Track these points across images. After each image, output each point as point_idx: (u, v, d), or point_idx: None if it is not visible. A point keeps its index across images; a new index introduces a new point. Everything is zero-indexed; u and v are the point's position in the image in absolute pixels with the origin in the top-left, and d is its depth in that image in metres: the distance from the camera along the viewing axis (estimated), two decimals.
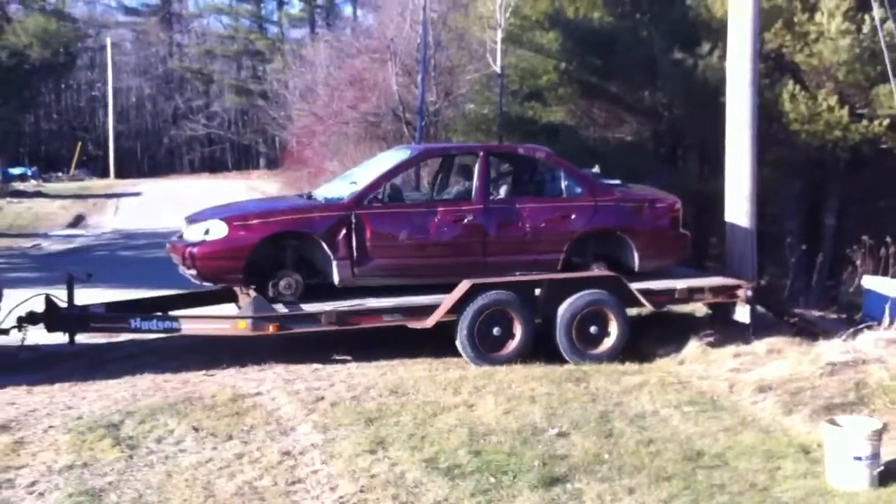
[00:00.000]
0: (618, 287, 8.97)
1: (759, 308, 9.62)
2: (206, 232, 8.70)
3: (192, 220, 9.20)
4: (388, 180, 9.18)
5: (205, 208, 9.90)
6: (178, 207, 27.47)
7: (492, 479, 5.71)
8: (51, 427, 6.67)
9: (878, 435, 5.81)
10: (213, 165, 56.82)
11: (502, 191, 9.54)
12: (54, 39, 49.29)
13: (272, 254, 8.79)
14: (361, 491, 5.51)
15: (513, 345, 8.73)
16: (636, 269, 9.42)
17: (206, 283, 9.21)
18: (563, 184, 9.52)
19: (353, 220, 8.78)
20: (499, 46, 19.90)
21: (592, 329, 8.86)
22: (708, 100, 14.48)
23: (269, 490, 5.53)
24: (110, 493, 5.46)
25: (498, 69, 20.21)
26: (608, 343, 8.91)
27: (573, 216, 9.38)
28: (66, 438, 6.39)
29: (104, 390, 7.71)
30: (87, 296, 9.33)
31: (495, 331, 8.70)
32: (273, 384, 7.91)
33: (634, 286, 9.02)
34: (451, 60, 25.32)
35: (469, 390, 7.70)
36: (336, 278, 8.80)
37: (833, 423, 6.05)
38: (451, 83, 25.01)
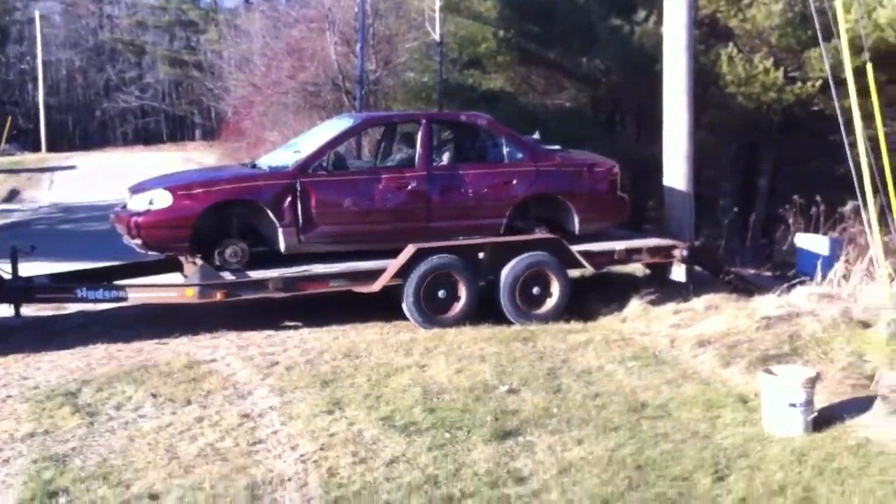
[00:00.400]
0: (559, 249, 9.21)
1: (697, 267, 9.94)
2: (151, 202, 8.72)
3: (136, 189, 9.19)
4: (332, 148, 9.26)
5: (148, 178, 9.88)
6: (114, 180, 27.06)
7: (447, 435, 5.92)
8: (8, 397, 6.71)
9: (812, 383, 6.13)
10: (148, 137, 55.80)
11: (445, 157, 9.68)
12: None
13: (217, 222, 8.84)
14: (321, 449, 5.67)
15: (458, 307, 8.93)
16: (577, 232, 9.66)
17: (151, 253, 9.23)
18: (505, 150, 9.69)
19: (298, 188, 8.86)
20: (437, 15, 19.95)
21: (535, 290, 9.09)
22: (645, 66, 14.79)
23: (231, 451, 5.67)
24: (74, 459, 5.54)
25: (437, 37, 20.27)
26: (551, 303, 9.16)
27: (515, 181, 9.57)
28: (25, 407, 6.44)
29: (58, 360, 7.73)
30: (30, 269, 9.28)
31: (441, 294, 8.88)
32: (227, 350, 8.02)
33: (575, 248, 9.27)
34: (389, 29, 25.28)
35: (420, 352, 7.90)
36: (282, 245, 8.90)
37: (769, 372, 6.36)
38: (390, 52, 24.97)
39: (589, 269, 9.66)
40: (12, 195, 25.92)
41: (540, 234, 9.48)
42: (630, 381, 7.18)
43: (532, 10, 19.03)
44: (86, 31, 60.25)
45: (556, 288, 9.14)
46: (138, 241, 8.73)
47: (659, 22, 12.44)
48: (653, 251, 9.78)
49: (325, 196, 8.98)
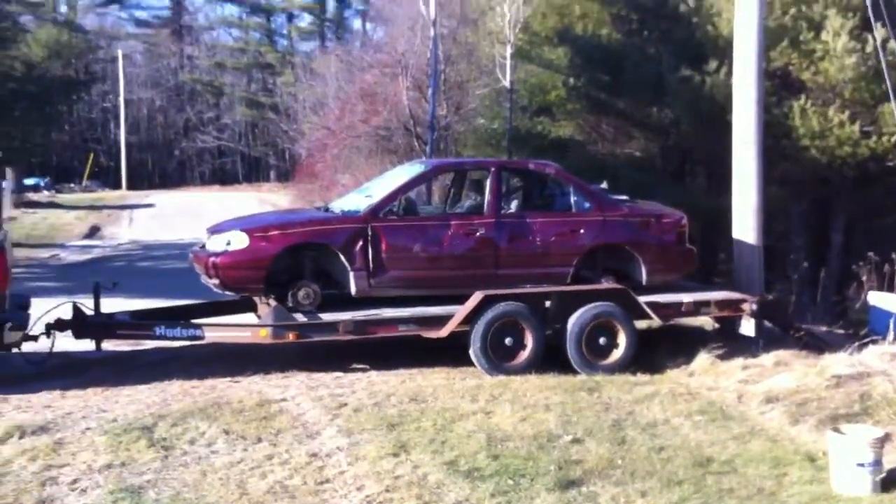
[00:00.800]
0: (625, 300, 9.23)
1: (766, 322, 9.86)
2: (228, 243, 8.97)
3: (215, 230, 9.48)
4: (403, 193, 9.45)
5: (226, 220, 10.20)
6: (191, 219, 27.88)
7: (510, 482, 5.97)
8: (87, 429, 6.95)
9: (881, 443, 6.06)
10: (224, 177, 57.23)
11: (513, 205, 9.80)
12: (66, 51, 49.81)
13: (291, 264, 9.05)
14: (387, 491, 5.78)
15: (524, 355, 8.98)
16: (644, 282, 9.67)
17: (227, 293, 9.49)
18: (573, 199, 9.77)
19: (370, 233, 9.04)
20: (508, 62, 20.21)
21: (602, 340, 9.11)
22: (715, 116, 14.78)
23: (299, 489, 5.81)
24: (149, 491, 5.74)
25: (507, 84, 20.53)
26: (617, 354, 9.16)
27: (582, 231, 9.63)
28: (103, 440, 6.66)
29: (135, 395, 7.99)
30: (111, 305, 9.62)
31: (507, 341, 8.94)
32: (297, 390, 8.19)
33: (642, 299, 9.28)
34: (461, 75, 25.64)
35: (486, 398, 7.96)
36: (353, 289, 9.07)
37: (837, 431, 6.30)
38: (461, 97, 25.32)
39: (656, 321, 9.65)
40: (93, 231, 26.79)
41: (607, 284, 9.52)
42: (696, 435, 7.15)
43: (602, 60, 19.21)
44: (166, 70, 62.20)
45: (622, 339, 9.15)
46: (215, 281, 8.99)
47: (730, 73, 12.46)
48: (721, 304, 9.73)
49: (395, 241, 9.14)
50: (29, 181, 41.13)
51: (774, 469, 6.38)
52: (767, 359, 9.03)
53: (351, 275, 9.02)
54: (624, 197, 10.25)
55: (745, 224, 10.87)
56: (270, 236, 9.00)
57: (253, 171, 59.56)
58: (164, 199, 38.57)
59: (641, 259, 9.69)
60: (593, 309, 9.08)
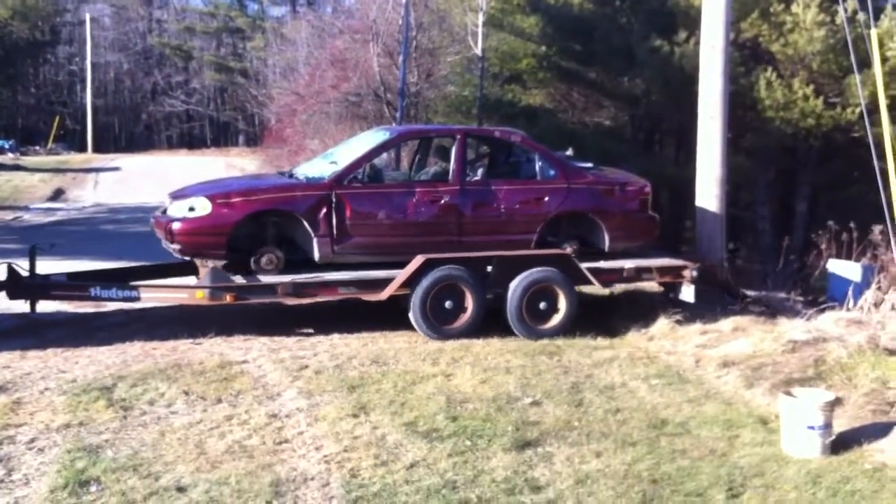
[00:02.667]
0: (567, 265, 9.28)
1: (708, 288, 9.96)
2: (191, 209, 8.91)
3: (177, 196, 9.40)
4: (368, 161, 9.41)
5: (189, 185, 10.12)
6: (157, 183, 27.57)
7: (468, 442, 6.05)
8: (46, 389, 6.94)
9: (831, 406, 6.19)
10: (192, 142, 56.66)
11: (478, 172, 9.83)
12: (33, 13, 48.89)
13: (254, 231, 9.02)
14: (345, 451, 5.83)
15: (464, 319, 9.03)
16: (606, 249, 9.74)
17: (187, 258, 9.45)
18: (538, 166, 9.80)
19: (334, 199, 9.02)
20: (480, 29, 20.14)
21: (542, 305, 9.18)
22: (684, 87, 14.79)
23: (257, 448, 5.84)
24: (107, 450, 5.75)
25: (479, 52, 20.47)
26: (556, 319, 9.22)
27: (546, 198, 9.67)
28: (62, 400, 6.67)
29: (95, 356, 7.98)
30: (74, 267, 9.54)
31: (447, 305, 8.99)
32: (259, 353, 8.21)
33: (584, 265, 9.35)
34: (432, 42, 25.50)
35: (447, 361, 8.03)
36: (316, 255, 9.05)
37: (789, 394, 6.42)
38: (432, 65, 25.20)
39: (598, 287, 9.71)
40: (57, 194, 26.51)
41: (549, 251, 9.54)
42: (652, 398, 7.26)
43: (574, 29, 19.16)
44: (134, 34, 61.29)
45: (563, 304, 9.20)
46: (176, 247, 8.95)
47: (699, 43, 12.49)
48: (663, 270, 9.80)
49: (359, 208, 9.13)
50: None
51: (727, 431, 6.50)
52: (726, 324, 9.17)
53: (315, 241, 9.00)
54: (589, 164, 10.28)
55: (708, 192, 10.98)
56: (233, 203, 8.92)
57: (221, 136, 59.01)
58: (131, 163, 38.14)
59: (605, 226, 9.74)
60: (534, 274, 9.13)
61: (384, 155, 11.96)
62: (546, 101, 21.48)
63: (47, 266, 9.48)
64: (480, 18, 19.99)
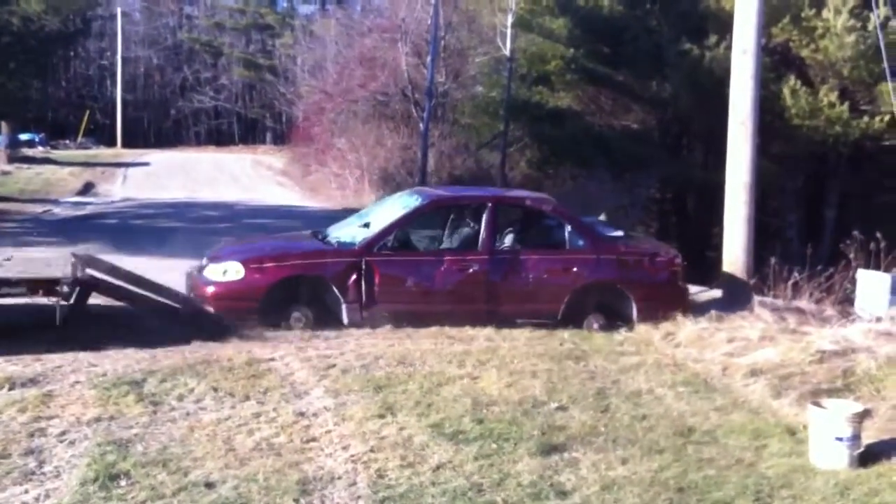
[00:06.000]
0: None
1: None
2: (225, 272, 9.25)
3: (213, 258, 9.67)
4: (399, 228, 9.62)
5: (224, 245, 10.48)
6: (186, 179, 27.80)
7: (493, 445, 6.05)
8: (77, 382, 7.00)
9: (860, 418, 6.14)
10: (220, 138, 56.90)
11: (508, 239, 9.92)
12: (65, 6, 49.29)
13: (286, 292, 9.24)
14: (372, 451, 5.85)
15: None
16: (635, 321, 9.73)
17: None
18: (567, 235, 9.87)
19: (364, 266, 9.24)
20: (508, 30, 20.20)
21: None
22: (714, 91, 14.76)
23: (285, 446, 5.88)
24: (136, 444, 5.80)
25: (507, 53, 20.52)
26: None
27: (575, 268, 9.74)
28: (92, 393, 6.72)
29: (125, 351, 8.04)
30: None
31: None
32: (286, 351, 8.25)
33: None
34: (461, 42, 25.59)
35: (473, 364, 8.04)
36: (345, 319, 9.27)
37: (818, 405, 6.38)
38: (460, 65, 25.27)
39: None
40: (87, 188, 26.71)
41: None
42: (679, 405, 7.23)
43: (603, 31, 19.16)
44: (165, 29, 61.62)
45: None
46: (210, 308, 9.20)
47: (730, 48, 12.44)
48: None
49: (388, 275, 9.33)
50: (24, 136, 40.88)
51: (754, 441, 6.46)
52: (753, 332, 9.12)
53: (343, 307, 9.24)
54: (619, 233, 10.33)
55: (736, 198, 10.92)
56: (265, 268, 9.25)
57: (249, 133, 59.24)
58: (160, 158, 38.41)
59: (633, 297, 9.77)
60: None
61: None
62: (573, 104, 21.47)
63: None
64: (509, 19, 20.05)
